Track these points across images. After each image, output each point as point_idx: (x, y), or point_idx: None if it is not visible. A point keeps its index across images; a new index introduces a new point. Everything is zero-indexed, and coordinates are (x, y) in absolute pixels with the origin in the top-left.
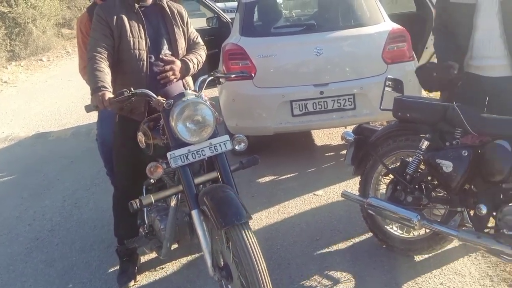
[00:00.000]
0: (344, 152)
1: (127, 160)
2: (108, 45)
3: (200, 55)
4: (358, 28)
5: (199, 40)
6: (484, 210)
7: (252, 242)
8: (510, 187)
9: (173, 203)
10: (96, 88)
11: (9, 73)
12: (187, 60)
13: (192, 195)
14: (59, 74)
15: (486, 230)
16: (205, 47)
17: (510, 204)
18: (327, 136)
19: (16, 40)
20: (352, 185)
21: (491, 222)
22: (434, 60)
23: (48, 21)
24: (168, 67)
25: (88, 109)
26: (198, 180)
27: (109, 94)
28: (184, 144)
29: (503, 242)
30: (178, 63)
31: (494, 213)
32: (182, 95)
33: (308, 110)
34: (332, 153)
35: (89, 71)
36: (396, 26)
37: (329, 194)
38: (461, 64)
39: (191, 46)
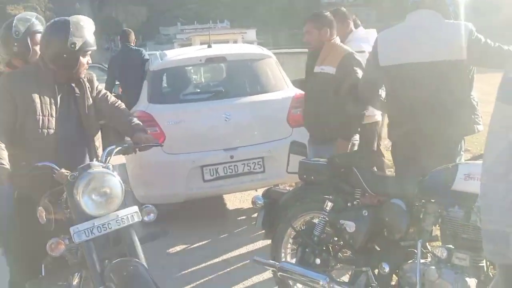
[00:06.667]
0: (256, 215)
1: (25, 238)
2: (9, 121)
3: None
4: (264, 94)
5: (113, 98)
6: (386, 269)
7: None
8: (408, 245)
9: (75, 281)
10: None
11: None
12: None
13: (97, 272)
14: None
15: None
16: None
17: (409, 262)
18: (239, 199)
19: None
20: (266, 249)
21: (395, 280)
22: None
23: None
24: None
25: None
26: (103, 254)
27: (8, 170)
28: (89, 218)
29: None
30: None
31: (397, 271)
32: (87, 166)
33: (219, 174)
34: (244, 217)
35: None
36: (298, 91)
37: (242, 260)
38: None
39: (115, 110)
